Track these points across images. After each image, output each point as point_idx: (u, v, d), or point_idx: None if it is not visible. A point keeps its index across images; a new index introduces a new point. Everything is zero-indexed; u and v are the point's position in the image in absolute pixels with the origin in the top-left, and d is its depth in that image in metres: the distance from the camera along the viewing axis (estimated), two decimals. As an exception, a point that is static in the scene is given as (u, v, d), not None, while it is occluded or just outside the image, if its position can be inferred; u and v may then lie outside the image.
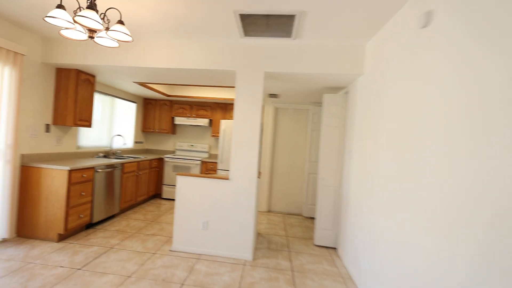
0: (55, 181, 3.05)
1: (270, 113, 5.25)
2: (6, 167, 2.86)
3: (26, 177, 3.08)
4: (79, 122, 3.54)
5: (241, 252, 3.05)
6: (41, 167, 3.06)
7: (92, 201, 3.50)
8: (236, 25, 2.66)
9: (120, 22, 2.04)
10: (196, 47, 3.16)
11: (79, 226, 3.29)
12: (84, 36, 2.08)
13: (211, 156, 6.08)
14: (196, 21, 2.61)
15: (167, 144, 6.19)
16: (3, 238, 2.94)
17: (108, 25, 2.13)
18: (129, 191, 4.42)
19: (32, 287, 2.25)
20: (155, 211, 4.65)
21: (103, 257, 2.83)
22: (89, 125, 3.77)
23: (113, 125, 4.95)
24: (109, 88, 4.70)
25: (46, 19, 1.83)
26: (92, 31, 1.99)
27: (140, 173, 4.75)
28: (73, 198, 3.13)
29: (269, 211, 5.22)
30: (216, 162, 5.44)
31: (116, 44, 2.25)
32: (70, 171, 3.07)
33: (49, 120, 3.42)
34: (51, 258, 2.73)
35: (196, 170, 5.43)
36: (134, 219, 4.11)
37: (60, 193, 3.05)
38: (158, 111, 5.86)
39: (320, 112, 4.96)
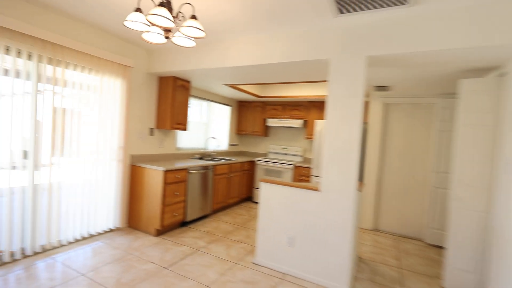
0: (153, 180, 3.28)
1: (377, 110, 4.37)
2: (119, 165, 3.26)
3: (134, 175, 3.44)
4: (175, 126, 3.76)
5: (334, 280, 2.48)
6: (143, 167, 3.35)
7: (185, 201, 3.64)
8: (327, 1, 2.15)
9: (193, 17, 1.88)
10: (281, 39, 2.80)
11: (174, 223, 3.45)
12: (163, 38, 2.03)
13: (305, 160, 5.63)
14: (280, 4, 2.24)
15: (260, 146, 6.12)
16: (117, 227, 3.36)
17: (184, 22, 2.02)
18: (220, 193, 4.48)
19: (125, 279, 2.38)
20: (245, 215, 4.56)
21: (189, 259, 2.81)
22: (184, 128, 3.98)
23: (209, 128, 5.19)
24: (204, 92, 4.93)
25: (125, 23, 1.83)
26: (167, 30, 1.90)
27: (231, 175, 4.77)
28: (168, 197, 3.30)
29: (375, 230, 4.33)
30: (310, 168, 4.96)
31: (193, 43, 2.13)
32: (165, 172, 3.24)
33: (152, 124, 3.76)
34: (147, 252, 2.90)
35: (288, 175, 5.09)
36: (223, 222, 4.10)
37: (157, 192, 3.26)
38: (251, 113, 5.85)
39: (453, 106, 3.75)
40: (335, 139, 2.55)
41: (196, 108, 4.78)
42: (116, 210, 3.30)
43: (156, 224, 3.26)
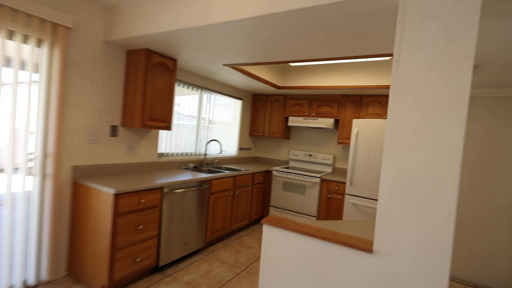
0: (100, 207, 2.12)
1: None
2: (45, 184, 2.11)
3: (76, 197, 2.30)
4: (149, 123, 2.58)
5: None
6: (88, 186, 2.20)
7: (158, 236, 2.44)
8: None
9: None
10: (308, -41, 1.48)
11: (137, 272, 2.27)
12: None
13: (335, 171, 4.22)
14: None
15: (279, 151, 4.80)
16: (45, 280, 2.20)
17: None
18: (219, 217, 3.24)
19: None
20: (254, 246, 3.27)
21: None
22: (166, 126, 2.78)
23: (212, 128, 3.98)
24: (203, 79, 3.72)
25: None
26: None
27: (237, 192, 3.51)
28: (122, 235, 2.12)
29: None
30: (343, 182, 3.56)
31: None
32: (116, 197, 2.05)
33: (116, 120, 2.61)
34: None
35: (314, 191, 3.73)
36: (220, 261, 2.85)
37: (103, 227, 2.09)
38: (269, 110, 4.55)
39: None
40: (410, 152, 1.21)
41: (191, 100, 3.59)
42: (43, 254, 2.13)
43: (102, 277, 2.08)
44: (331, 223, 1.72)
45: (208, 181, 3.00)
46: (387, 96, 3.61)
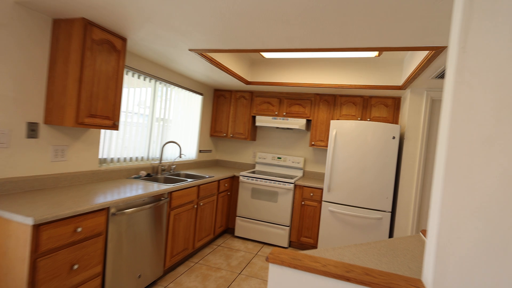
0: (11, 245, 1.42)
1: (419, 109, 2.87)
2: None
3: (-27, 228, 1.53)
4: (87, 120, 1.90)
5: None
6: (-10, 213, 1.46)
7: (102, 274, 1.80)
8: None
9: None
10: None
11: (69, 330, 1.60)
12: None
13: (306, 175, 3.97)
14: None
15: (243, 154, 4.37)
16: None
17: None
18: (181, 237, 2.68)
19: None
20: (222, 268, 2.78)
21: None
22: (112, 126, 2.12)
23: (168, 127, 3.35)
24: (159, 68, 3.09)
25: None
26: None
27: (201, 203, 2.98)
28: (47, 282, 1.44)
29: None
30: (318, 188, 3.30)
31: None
32: (38, 228, 1.38)
33: (36, 115, 1.86)
34: None
35: (288, 198, 3.39)
36: (184, 294, 2.30)
37: (16, 275, 1.39)
38: (233, 108, 4.08)
39: None
40: (482, 168, 0.89)
41: (144, 94, 2.92)
42: None
43: None
44: (347, 251, 1.36)
45: (168, 193, 2.42)
46: (361, 97, 3.46)
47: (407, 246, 1.49)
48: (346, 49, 2.05)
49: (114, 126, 2.15)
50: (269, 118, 3.82)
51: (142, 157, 2.96)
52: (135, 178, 2.68)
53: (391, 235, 3.00)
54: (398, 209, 2.93)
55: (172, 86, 3.31)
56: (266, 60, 3.51)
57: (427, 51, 2.01)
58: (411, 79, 2.54)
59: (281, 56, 3.10)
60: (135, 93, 2.77)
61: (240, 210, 3.62)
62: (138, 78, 2.80)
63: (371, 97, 3.43)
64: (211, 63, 2.71)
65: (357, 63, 3.16)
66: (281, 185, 3.41)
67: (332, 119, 3.56)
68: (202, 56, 2.51)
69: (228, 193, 3.67)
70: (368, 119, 3.42)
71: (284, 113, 3.77)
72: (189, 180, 2.86)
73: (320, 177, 3.89)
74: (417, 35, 1.73)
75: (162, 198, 2.35)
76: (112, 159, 2.57)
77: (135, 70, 2.69)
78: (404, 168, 2.92)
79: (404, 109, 3.14)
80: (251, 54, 3.36)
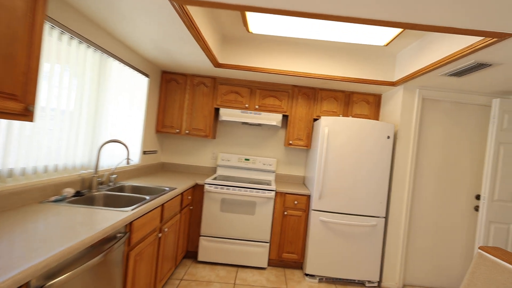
0: None
1: (411, 107, 2.75)
2: None
3: None
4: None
5: None
6: None
7: None
8: None
9: None
10: None
11: None
12: None
13: (279, 178, 3.46)
14: None
15: (199, 155, 3.52)
16: None
17: None
18: (142, 282, 1.77)
19: None
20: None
21: None
22: (24, 113, 1.10)
23: (101, 118, 2.27)
24: (99, 31, 2.02)
25: None
26: None
27: (165, 229, 2.09)
28: None
29: (403, 287, 2.72)
30: (304, 195, 2.84)
31: None
32: None
33: None
34: None
35: (268, 209, 2.80)
36: None
37: None
38: (189, 96, 3.20)
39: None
40: None
41: (66, 67, 1.82)
42: None
43: None
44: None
45: (127, 225, 1.50)
46: (343, 92, 3.15)
47: None
48: (384, 23, 1.59)
49: (27, 114, 1.13)
50: (238, 111, 3.12)
51: (65, 166, 1.86)
52: (55, 201, 1.62)
53: (384, 242, 2.78)
54: (391, 214, 2.73)
55: (112, 59, 2.25)
56: (240, 37, 2.80)
57: (471, 40, 1.74)
58: (418, 75, 2.31)
59: (271, 34, 2.47)
60: (59, 67, 1.67)
61: (206, 227, 2.82)
62: (69, 44, 1.70)
63: (352, 92, 3.15)
64: (184, 23, 1.85)
65: (347, 53, 2.80)
66: (260, 193, 2.79)
67: (312, 115, 3.14)
68: (180, 8, 1.64)
69: (191, 207, 2.83)
70: (350, 117, 3.14)
71: (257, 106, 3.14)
72: (147, 197, 1.94)
73: (295, 180, 3.44)
74: (481, 17, 1.40)
75: (118, 236, 1.42)
76: (12, 172, 1.45)
77: (64, 28, 1.61)
78: (396, 169, 2.73)
79: (388, 107, 2.97)
80: (224, 26, 2.59)
